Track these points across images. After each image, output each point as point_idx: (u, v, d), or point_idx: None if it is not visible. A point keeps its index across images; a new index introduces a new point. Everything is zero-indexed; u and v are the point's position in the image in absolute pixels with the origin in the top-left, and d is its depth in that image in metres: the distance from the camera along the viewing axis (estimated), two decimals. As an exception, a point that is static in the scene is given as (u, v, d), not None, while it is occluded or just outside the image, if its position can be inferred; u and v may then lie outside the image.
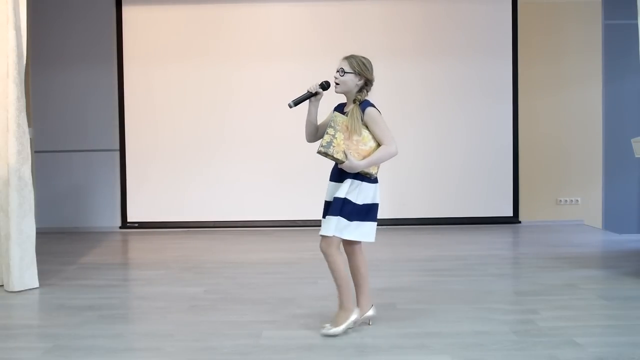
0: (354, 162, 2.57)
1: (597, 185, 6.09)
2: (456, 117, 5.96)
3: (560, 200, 6.09)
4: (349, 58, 2.66)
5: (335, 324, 2.65)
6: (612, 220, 6.06)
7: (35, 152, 5.73)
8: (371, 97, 2.70)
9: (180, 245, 5.12)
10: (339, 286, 2.66)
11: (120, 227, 6.03)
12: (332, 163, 2.69)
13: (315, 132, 2.77)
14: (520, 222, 6.01)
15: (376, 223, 2.68)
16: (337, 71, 2.65)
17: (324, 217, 2.67)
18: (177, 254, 4.70)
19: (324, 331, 2.63)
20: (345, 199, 2.59)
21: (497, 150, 5.98)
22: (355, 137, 2.60)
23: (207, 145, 5.98)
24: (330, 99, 2.79)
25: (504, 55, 5.96)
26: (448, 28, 5.95)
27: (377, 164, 2.64)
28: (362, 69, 2.64)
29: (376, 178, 2.68)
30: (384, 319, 2.88)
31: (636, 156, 4.06)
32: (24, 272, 3.56)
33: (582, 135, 6.06)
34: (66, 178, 6.06)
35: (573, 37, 6.02)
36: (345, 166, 2.58)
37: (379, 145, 2.64)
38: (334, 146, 2.57)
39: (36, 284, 3.61)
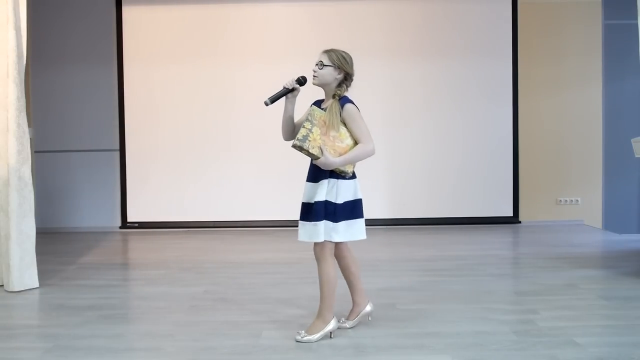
0: (330, 159, 2.49)
1: (597, 185, 6.09)
2: (456, 117, 5.96)
3: (560, 200, 6.09)
4: (328, 51, 2.59)
5: (310, 332, 2.59)
6: (612, 220, 6.07)
7: (35, 152, 5.74)
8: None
9: (180, 245, 5.12)
10: (322, 295, 2.60)
11: (120, 227, 6.03)
12: None
13: (293, 130, 2.68)
14: (520, 222, 6.01)
15: (364, 219, 2.63)
16: (316, 64, 2.58)
17: (301, 219, 2.61)
18: (177, 254, 4.70)
19: (298, 337, 2.59)
20: (325, 201, 2.54)
21: (497, 150, 5.99)
22: (332, 133, 2.52)
23: (207, 145, 5.98)
24: (309, 95, 2.72)
25: (503, 55, 5.96)
26: (447, 28, 5.95)
27: (353, 163, 2.57)
28: (341, 63, 2.57)
29: (354, 173, 2.61)
30: (384, 319, 2.88)
31: (636, 156, 4.06)
32: (24, 272, 3.56)
33: (582, 135, 6.06)
34: (66, 178, 6.06)
35: (573, 38, 6.02)
36: (320, 162, 2.50)
37: (356, 143, 2.58)
38: (309, 140, 2.47)
39: (36, 284, 3.61)
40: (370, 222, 5.55)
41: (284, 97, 2.62)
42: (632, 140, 4.08)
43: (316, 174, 2.59)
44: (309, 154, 2.50)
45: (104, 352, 2.51)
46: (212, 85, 5.97)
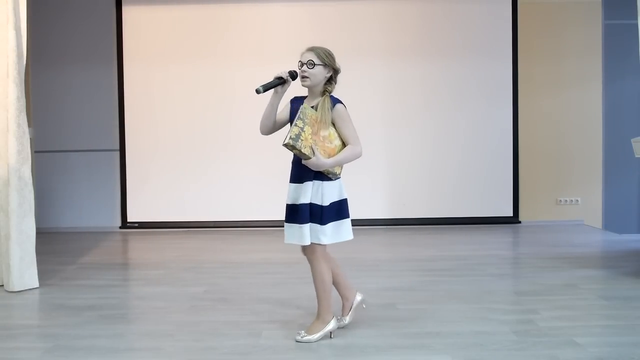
0: (321, 160, 2.44)
1: (597, 185, 6.09)
2: (456, 117, 5.96)
3: (560, 200, 6.09)
4: (314, 49, 2.55)
5: (310, 332, 2.59)
6: (612, 220, 6.07)
7: (35, 152, 5.74)
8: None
9: (180, 245, 5.12)
10: (319, 296, 2.59)
11: (120, 227, 6.03)
12: None
13: (273, 125, 2.62)
14: (520, 222, 6.01)
15: (350, 219, 2.59)
16: (305, 64, 2.51)
17: (286, 221, 2.57)
18: (177, 254, 4.70)
19: (298, 338, 2.59)
20: (311, 203, 2.50)
21: (497, 150, 5.99)
22: (322, 133, 2.46)
23: (207, 145, 5.98)
24: (289, 91, 2.63)
25: (503, 55, 5.96)
26: (447, 28, 5.95)
27: (342, 164, 2.54)
28: (330, 60, 2.53)
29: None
30: (384, 319, 2.89)
31: (636, 156, 4.06)
32: (24, 272, 3.56)
33: (582, 135, 6.06)
34: (66, 178, 6.06)
35: (573, 38, 6.02)
36: (311, 162, 2.44)
37: (343, 145, 2.55)
38: (302, 140, 2.39)
39: (36, 284, 3.61)
40: (370, 222, 5.62)
41: (274, 89, 2.55)
42: (632, 140, 4.08)
43: (300, 174, 2.54)
44: (300, 153, 2.43)
45: (104, 352, 2.51)
46: (211, 85, 5.97)
